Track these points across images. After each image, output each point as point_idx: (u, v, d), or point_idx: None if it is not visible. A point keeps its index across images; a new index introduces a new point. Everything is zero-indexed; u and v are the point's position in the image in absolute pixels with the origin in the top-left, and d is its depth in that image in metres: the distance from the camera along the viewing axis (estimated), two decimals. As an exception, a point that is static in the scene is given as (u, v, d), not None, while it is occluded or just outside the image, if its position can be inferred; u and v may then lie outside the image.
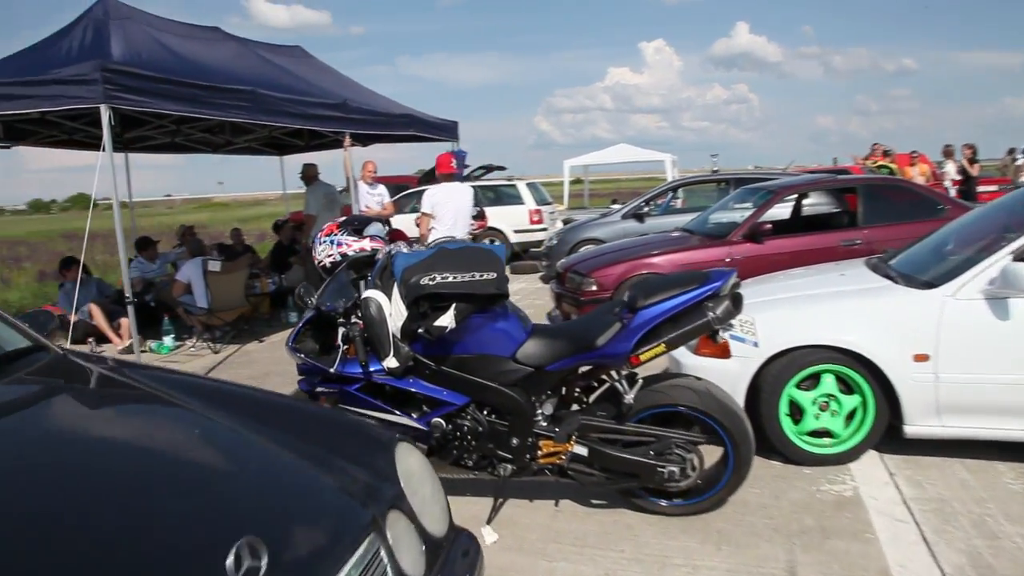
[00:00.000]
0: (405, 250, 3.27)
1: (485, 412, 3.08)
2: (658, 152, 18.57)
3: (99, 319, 7.58)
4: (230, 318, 7.68)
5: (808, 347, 3.51)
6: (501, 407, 3.05)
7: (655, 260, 6.59)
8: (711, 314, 2.78)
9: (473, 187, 13.56)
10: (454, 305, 2.85)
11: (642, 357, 2.83)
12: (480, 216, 7.73)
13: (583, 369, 3.03)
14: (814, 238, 6.48)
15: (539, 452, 3.03)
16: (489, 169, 15.08)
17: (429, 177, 14.95)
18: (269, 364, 6.68)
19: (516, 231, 13.43)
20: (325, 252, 3.38)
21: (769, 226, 6.30)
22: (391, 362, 2.95)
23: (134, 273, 8.36)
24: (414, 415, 3.13)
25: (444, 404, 3.04)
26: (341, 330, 3.09)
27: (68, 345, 7.39)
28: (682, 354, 3.90)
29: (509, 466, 3.07)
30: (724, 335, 2.93)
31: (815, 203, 7.82)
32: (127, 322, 7.62)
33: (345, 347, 3.09)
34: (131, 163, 9.61)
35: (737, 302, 2.83)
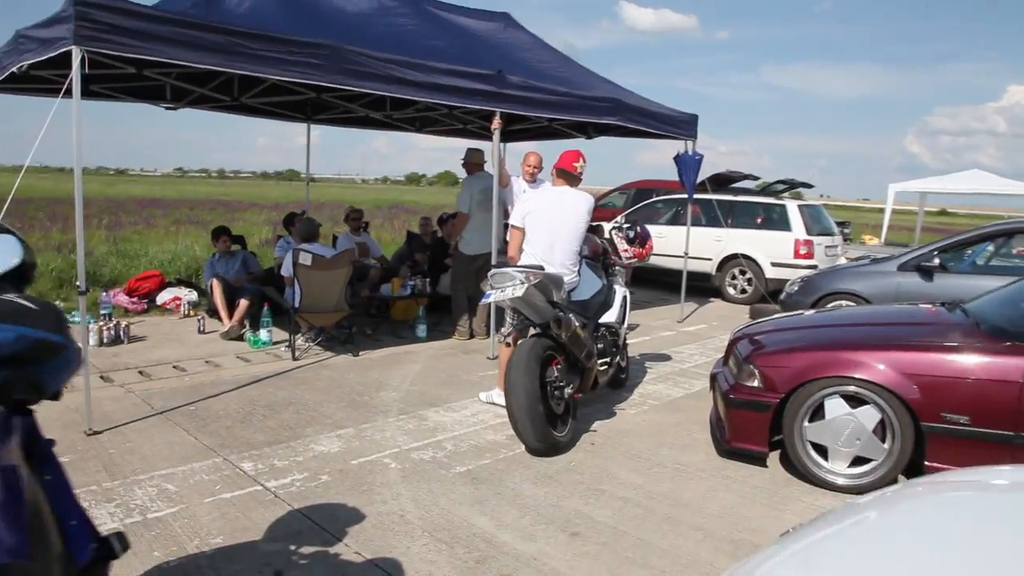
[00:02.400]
0: None
1: None
2: (1022, 184, 13.45)
3: (216, 295, 6.95)
4: (319, 323, 6.48)
5: None
6: None
7: (868, 359, 3.74)
8: None
9: (728, 201, 10.95)
10: None
11: None
12: (638, 239, 5.42)
13: None
14: None
15: None
16: (791, 186, 12.05)
17: (715, 184, 12.54)
18: (316, 394, 5.29)
19: (774, 263, 10.45)
20: None
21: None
22: None
23: (279, 252, 7.66)
24: None
25: None
26: None
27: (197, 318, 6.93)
28: None
29: None
30: None
31: None
32: (244, 305, 6.92)
33: None
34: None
35: None
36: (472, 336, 7.30)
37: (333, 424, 4.56)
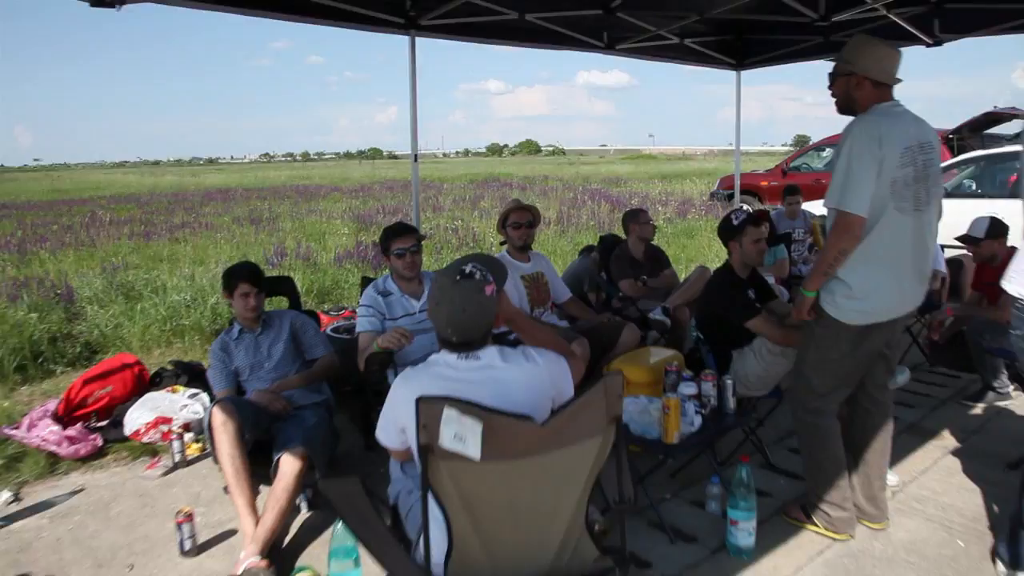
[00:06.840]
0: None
1: None
2: None
3: (220, 443, 2.78)
4: None
5: None
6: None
7: None
8: None
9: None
10: None
11: None
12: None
13: None
14: None
15: None
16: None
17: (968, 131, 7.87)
18: None
19: None
20: None
21: None
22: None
23: (365, 322, 3.37)
24: None
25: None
26: None
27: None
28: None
29: None
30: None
31: None
32: (291, 474, 2.79)
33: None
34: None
35: None
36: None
37: None
